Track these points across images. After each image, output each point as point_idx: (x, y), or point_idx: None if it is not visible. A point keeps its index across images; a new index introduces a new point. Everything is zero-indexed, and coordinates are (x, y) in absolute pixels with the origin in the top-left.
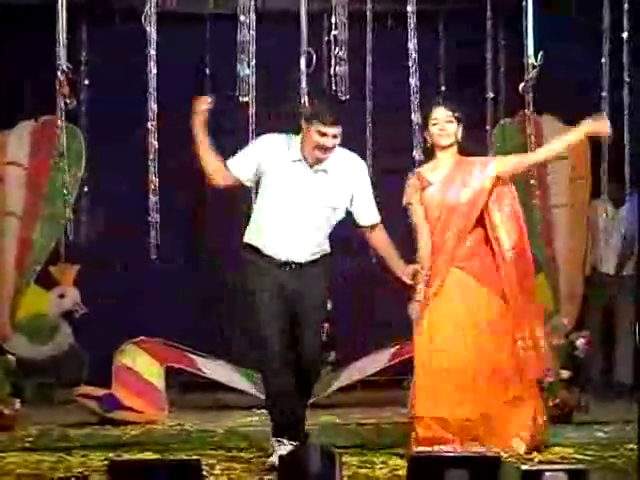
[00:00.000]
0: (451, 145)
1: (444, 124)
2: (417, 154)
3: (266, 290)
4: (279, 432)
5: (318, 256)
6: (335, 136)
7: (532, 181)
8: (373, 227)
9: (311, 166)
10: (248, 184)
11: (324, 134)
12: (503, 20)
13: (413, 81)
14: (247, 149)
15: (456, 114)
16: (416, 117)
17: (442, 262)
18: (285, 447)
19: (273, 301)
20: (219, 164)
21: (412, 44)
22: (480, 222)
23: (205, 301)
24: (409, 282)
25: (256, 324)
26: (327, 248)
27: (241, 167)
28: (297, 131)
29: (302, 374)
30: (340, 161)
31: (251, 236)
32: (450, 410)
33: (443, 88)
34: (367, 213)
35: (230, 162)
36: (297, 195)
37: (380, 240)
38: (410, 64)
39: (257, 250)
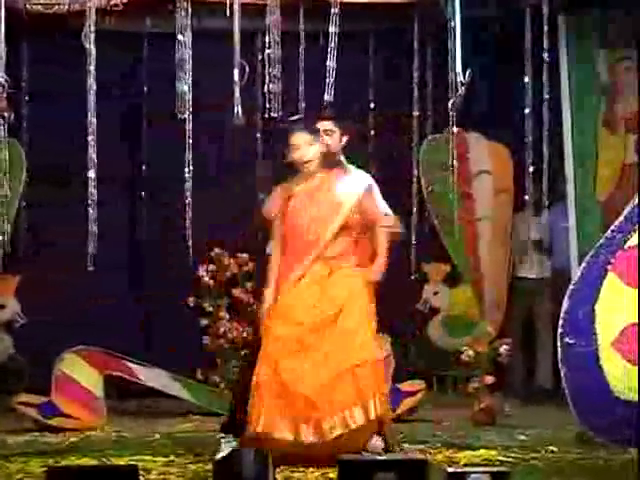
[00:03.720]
0: (310, 161)
1: (302, 147)
2: None
3: None
4: (230, 427)
5: None
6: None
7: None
8: None
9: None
10: None
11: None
12: (431, 39)
13: (327, 97)
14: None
15: (310, 135)
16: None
17: (296, 264)
18: (230, 443)
19: None
20: None
21: (331, 62)
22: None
23: (144, 310)
24: None
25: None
26: None
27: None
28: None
29: None
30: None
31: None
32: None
33: (372, 105)
34: None
35: None
36: None
37: None
38: (327, 81)
39: None
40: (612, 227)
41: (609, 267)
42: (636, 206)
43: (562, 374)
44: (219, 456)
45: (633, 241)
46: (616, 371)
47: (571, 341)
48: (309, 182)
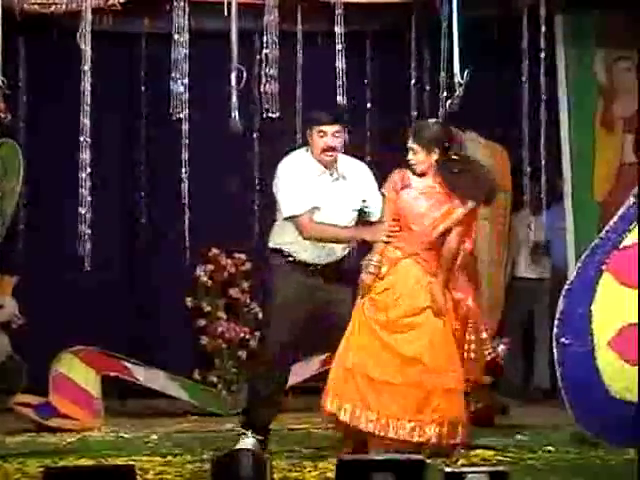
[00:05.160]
0: (425, 172)
1: (410, 154)
2: None
3: (289, 293)
4: (247, 426)
5: (341, 256)
6: (335, 135)
7: None
8: None
9: (331, 174)
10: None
11: (324, 133)
12: (428, 39)
13: (340, 98)
14: (290, 186)
15: (423, 143)
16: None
17: (393, 253)
18: (248, 439)
19: (294, 304)
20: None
21: (340, 63)
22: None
23: (141, 311)
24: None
25: (272, 321)
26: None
27: (304, 201)
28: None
29: None
30: (351, 166)
31: (281, 242)
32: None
33: (369, 105)
34: (379, 210)
35: (299, 210)
36: (328, 204)
37: None
38: (338, 83)
39: (286, 255)
40: (607, 227)
41: (604, 267)
42: (631, 206)
43: (558, 375)
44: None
45: (628, 241)
46: (613, 371)
47: (567, 341)
48: (424, 180)
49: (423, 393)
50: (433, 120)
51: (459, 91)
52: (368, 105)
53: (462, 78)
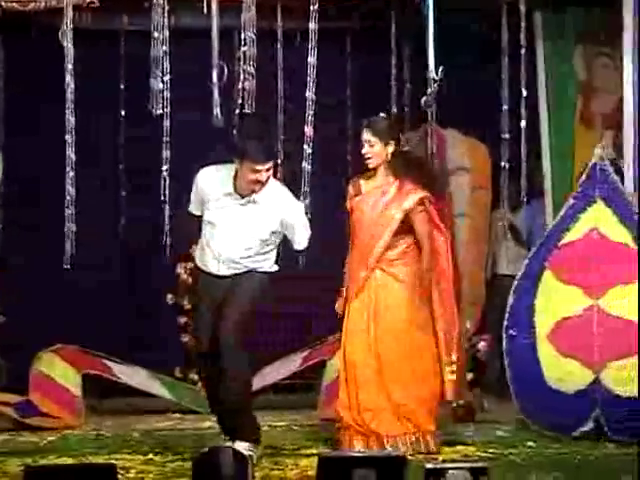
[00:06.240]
0: (378, 166)
1: (367, 147)
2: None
3: (204, 301)
4: (225, 433)
5: (252, 269)
6: (268, 170)
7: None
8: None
9: (242, 197)
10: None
11: (257, 171)
12: (408, 36)
13: (309, 95)
14: (193, 188)
15: (380, 135)
16: (309, 130)
17: (361, 265)
18: (241, 443)
19: (208, 311)
20: None
21: (312, 59)
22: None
23: (123, 308)
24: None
25: (195, 329)
26: (265, 265)
27: (194, 205)
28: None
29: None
30: (270, 192)
31: (197, 257)
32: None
33: (349, 103)
34: (296, 241)
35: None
36: (228, 224)
37: None
38: (308, 79)
39: (201, 268)
40: (550, 226)
41: (546, 264)
42: (570, 207)
43: (506, 364)
44: None
45: (566, 239)
46: (549, 362)
47: (514, 333)
48: (373, 181)
49: None
50: (384, 115)
51: (434, 87)
52: (349, 103)
53: (437, 74)
